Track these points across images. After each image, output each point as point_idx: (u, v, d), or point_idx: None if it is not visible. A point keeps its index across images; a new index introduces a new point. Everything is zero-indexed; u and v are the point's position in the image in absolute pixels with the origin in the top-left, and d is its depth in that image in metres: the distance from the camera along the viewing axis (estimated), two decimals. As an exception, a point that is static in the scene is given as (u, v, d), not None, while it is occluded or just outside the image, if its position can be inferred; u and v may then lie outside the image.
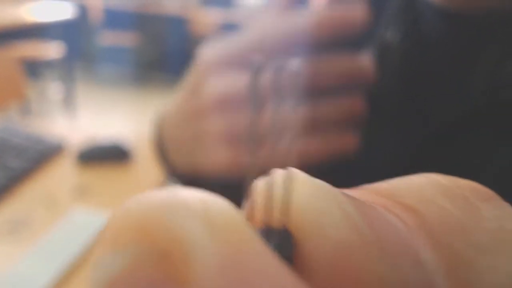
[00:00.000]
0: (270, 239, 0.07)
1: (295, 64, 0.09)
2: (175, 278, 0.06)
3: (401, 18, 0.32)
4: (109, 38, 3.74)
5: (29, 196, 0.85)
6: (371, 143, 0.27)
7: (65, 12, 3.04)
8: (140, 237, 0.06)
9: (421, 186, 0.09)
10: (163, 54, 3.83)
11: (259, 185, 0.08)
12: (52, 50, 2.75)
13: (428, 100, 0.31)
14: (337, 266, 0.07)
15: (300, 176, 0.08)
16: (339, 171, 0.23)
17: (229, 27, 3.31)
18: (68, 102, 2.92)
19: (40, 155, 0.95)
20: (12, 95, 1.81)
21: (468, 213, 0.08)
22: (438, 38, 0.30)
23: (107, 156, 0.99)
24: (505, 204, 0.09)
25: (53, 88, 2.96)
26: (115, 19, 3.72)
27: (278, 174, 0.08)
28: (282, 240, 0.07)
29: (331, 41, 0.26)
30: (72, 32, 3.37)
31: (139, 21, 3.77)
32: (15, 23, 2.66)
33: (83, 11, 3.64)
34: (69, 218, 0.79)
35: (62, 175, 0.94)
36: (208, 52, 0.27)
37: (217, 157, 0.25)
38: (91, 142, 1.01)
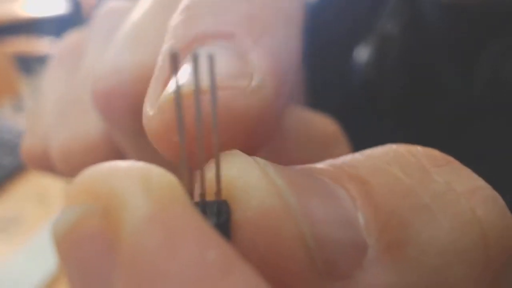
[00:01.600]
0: (208, 210, 0.08)
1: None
2: (112, 228, 0.07)
3: (401, 9, 0.32)
4: (103, 34, 3.71)
5: (21, 193, 0.85)
6: (371, 136, 0.27)
7: (58, 7, 3.02)
8: (87, 196, 0.08)
9: (378, 156, 0.10)
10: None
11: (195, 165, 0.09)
12: (46, 45, 2.73)
13: (429, 93, 0.31)
14: (259, 229, 0.08)
15: (232, 153, 0.09)
16: None
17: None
18: (62, 98, 2.90)
19: (33, 152, 0.95)
20: (4, 91, 1.79)
21: (417, 179, 0.09)
22: (439, 30, 0.30)
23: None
24: (462, 168, 0.09)
25: (47, 84, 2.94)
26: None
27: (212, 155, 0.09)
28: (218, 210, 0.08)
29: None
30: (65, 28, 3.33)
31: (134, 17, 3.74)
32: (8, 18, 2.63)
33: (77, 7, 3.61)
34: (61, 216, 0.78)
35: (54, 172, 0.94)
36: None
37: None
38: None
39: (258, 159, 0.09)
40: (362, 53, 0.34)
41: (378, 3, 0.34)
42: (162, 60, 0.11)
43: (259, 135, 0.10)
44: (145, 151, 0.15)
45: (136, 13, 0.16)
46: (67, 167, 0.18)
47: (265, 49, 0.10)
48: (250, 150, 0.10)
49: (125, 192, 0.07)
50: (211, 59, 0.08)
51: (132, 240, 0.07)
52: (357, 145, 0.18)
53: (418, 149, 0.10)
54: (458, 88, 0.29)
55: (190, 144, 0.09)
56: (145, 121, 0.10)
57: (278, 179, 0.08)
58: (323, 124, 0.18)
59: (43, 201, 0.83)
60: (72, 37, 0.23)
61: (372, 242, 0.08)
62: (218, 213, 0.08)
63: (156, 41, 0.14)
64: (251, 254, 0.08)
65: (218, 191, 0.08)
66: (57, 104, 0.20)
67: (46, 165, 0.20)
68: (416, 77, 0.32)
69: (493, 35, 0.28)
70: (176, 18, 0.12)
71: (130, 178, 0.07)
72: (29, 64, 2.95)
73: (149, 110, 0.10)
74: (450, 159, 0.09)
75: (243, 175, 0.08)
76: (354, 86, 0.34)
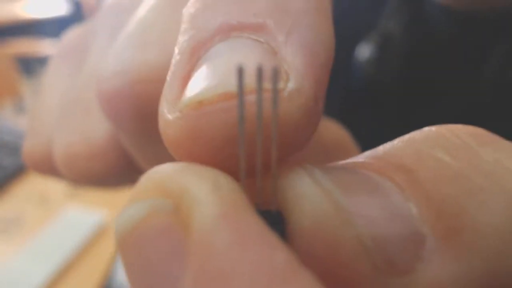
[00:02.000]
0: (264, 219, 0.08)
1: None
2: (182, 226, 0.07)
3: (403, 8, 0.32)
4: (104, 35, 3.71)
5: (22, 194, 0.85)
6: (371, 133, 0.27)
7: (59, 8, 3.02)
8: (157, 192, 0.08)
9: (419, 141, 0.09)
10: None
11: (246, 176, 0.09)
12: (47, 47, 2.74)
13: (430, 91, 0.31)
14: (316, 237, 0.07)
15: (281, 165, 0.09)
16: None
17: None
18: (63, 99, 2.90)
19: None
20: (5, 92, 1.80)
21: (465, 161, 0.08)
22: (440, 29, 0.30)
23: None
24: (509, 145, 0.09)
25: (48, 85, 2.95)
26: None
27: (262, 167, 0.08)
28: (273, 220, 0.08)
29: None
30: (66, 29, 3.34)
31: (134, 18, 3.74)
32: (9, 19, 2.64)
33: (77, 8, 3.62)
34: (62, 217, 0.79)
35: (55, 173, 0.94)
36: None
37: None
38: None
39: (305, 165, 0.09)
40: (364, 51, 0.34)
41: (380, 2, 0.34)
42: (180, 53, 0.10)
43: (294, 145, 0.09)
44: (153, 154, 0.15)
45: (142, 9, 0.15)
46: (71, 171, 0.17)
47: (300, 44, 0.09)
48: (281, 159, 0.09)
49: (197, 190, 0.07)
50: (275, 73, 0.07)
51: (203, 238, 0.07)
52: (358, 142, 0.18)
53: (460, 127, 0.09)
54: (463, 89, 0.29)
55: (217, 156, 0.08)
56: (162, 124, 0.09)
57: (327, 183, 0.08)
58: (332, 130, 0.17)
59: (44, 202, 0.83)
60: (74, 33, 0.21)
61: (428, 232, 0.08)
62: (274, 223, 0.08)
63: (164, 38, 0.13)
64: (309, 260, 0.08)
65: (275, 202, 0.08)
66: (60, 104, 0.19)
67: (49, 167, 0.19)
68: (418, 75, 0.32)
69: (495, 34, 0.28)
70: (192, 5, 0.10)
71: (202, 178, 0.07)
72: (30, 65, 2.95)
73: (167, 113, 0.09)
74: (493, 136, 0.09)
75: (293, 185, 0.08)
76: (355, 84, 0.34)
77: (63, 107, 0.18)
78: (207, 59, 0.09)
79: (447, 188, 0.08)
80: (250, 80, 0.08)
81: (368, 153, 0.09)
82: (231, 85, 0.08)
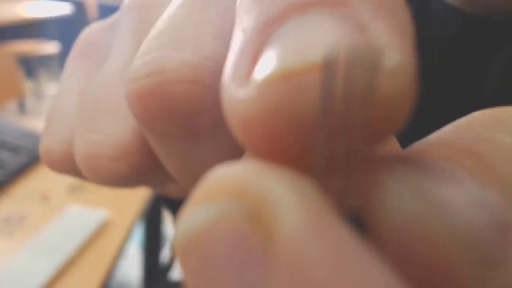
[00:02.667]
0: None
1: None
2: (262, 234, 0.06)
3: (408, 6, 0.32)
4: (105, 36, 3.71)
5: (25, 193, 0.85)
6: None
7: (61, 9, 3.03)
8: (232, 194, 0.07)
9: (473, 125, 0.09)
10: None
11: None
12: (49, 47, 2.74)
13: (435, 94, 0.31)
14: (407, 235, 0.07)
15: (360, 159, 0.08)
16: None
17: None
18: (65, 99, 2.91)
19: (36, 152, 0.96)
20: (8, 93, 1.80)
21: None
22: (446, 29, 0.30)
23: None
24: None
25: (49, 86, 2.96)
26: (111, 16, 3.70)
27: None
28: (353, 223, 0.08)
29: None
30: (68, 30, 3.35)
31: (136, 19, 3.74)
32: (12, 20, 2.65)
33: (79, 8, 3.63)
34: (64, 215, 0.79)
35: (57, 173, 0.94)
36: None
37: None
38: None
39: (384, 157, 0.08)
40: None
41: None
42: (248, 31, 0.09)
43: (388, 131, 0.08)
44: (183, 155, 0.14)
45: (172, 6, 0.14)
46: (93, 172, 0.16)
47: (390, 22, 0.08)
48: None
49: (280, 194, 0.06)
50: (370, 50, 0.07)
51: (292, 248, 0.06)
52: None
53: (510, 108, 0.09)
54: (469, 94, 0.29)
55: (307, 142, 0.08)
56: (231, 104, 0.08)
57: (413, 175, 0.08)
58: None
59: (46, 201, 0.84)
60: (91, 31, 0.21)
61: (509, 216, 0.07)
62: (355, 225, 0.07)
63: (198, 37, 0.13)
64: (398, 262, 0.07)
65: (356, 201, 0.08)
66: (79, 104, 0.18)
67: (67, 166, 0.19)
68: (422, 77, 0.32)
69: (501, 36, 0.27)
70: None
71: (285, 181, 0.07)
72: (32, 66, 2.95)
73: (236, 91, 0.08)
74: None
75: (379, 181, 0.08)
76: None
77: (84, 107, 0.17)
78: (283, 35, 0.08)
79: None
80: (340, 56, 0.07)
81: (425, 140, 0.09)
82: (319, 59, 0.07)
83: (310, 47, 0.07)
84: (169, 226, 1.43)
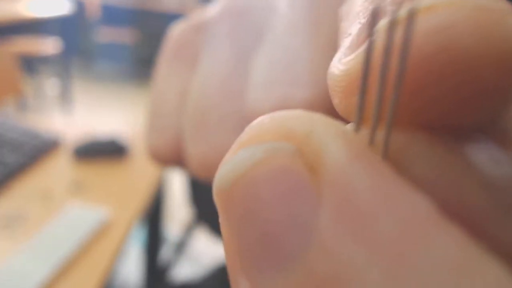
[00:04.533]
0: None
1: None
2: (309, 168, 0.07)
3: None
4: (106, 34, 3.73)
5: (25, 191, 0.85)
6: None
7: (62, 7, 3.03)
8: (278, 135, 0.07)
9: None
10: (160, 51, 3.81)
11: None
12: (49, 46, 2.74)
13: None
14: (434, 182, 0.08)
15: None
16: None
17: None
18: (65, 98, 2.91)
19: (36, 150, 0.95)
20: (8, 91, 1.80)
21: None
22: None
23: (104, 151, 0.98)
24: None
25: (50, 84, 2.95)
26: (112, 15, 3.71)
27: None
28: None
29: None
30: (69, 28, 3.36)
31: (137, 18, 3.75)
32: (12, 18, 2.64)
33: (80, 7, 3.63)
34: (65, 214, 0.79)
35: (58, 170, 0.94)
36: None
37: None
38: (87, 137, 1.00)
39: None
40: None
41: None
42: (364, 17, 0.09)
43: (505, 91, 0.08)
44: None
45: (282, 30, 0.16)
46: (208, 177, 0.18)
47: None
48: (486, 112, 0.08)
49: (325, 132, 0.07)
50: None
51: (338, 179, 0.06)
52: None
53: None
54: None
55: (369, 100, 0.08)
56: (331, 79, 0.09)
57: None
58: None
59: (46, 199, 0.83)
60: (181, 29, 0.22)
61: None
62: None
63: (315, 72, 0.14)
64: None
65: (385, 154, 0.08)
66: (185, 108, 0.20)
67: (174, 162, 0.21)
68: None
69: None
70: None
71: (328, 121, 0.07)
72: (33, 64, 2.95)
73: (339, 66, 0.09)
74: None
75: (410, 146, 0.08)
76: None
77: (192, 114, 0.19)
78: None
79: None
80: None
81: None
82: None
83: None
84: (169, 228, 1.43)
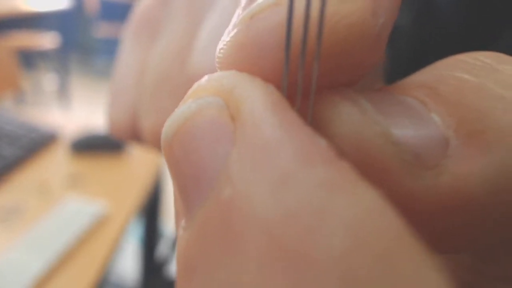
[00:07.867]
0: None
1: None
2: (231, 115, 0.08)
3: (412, 0, 0.32)
4: (105, 30, 3.71)
5: (22, 184, 0.85)
6: None
7: (61, 2, 3.02)
8: (211, 91, 0.09)
9: (440, 67, 0.10)
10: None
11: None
12: (48, 40, 2.73)
13: None
14: (349, 142, 0.09)
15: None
16: None
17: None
18: (63, 93, 2.91)
19: (34, 144, 0.95)
20: (7, 85, 1.80)
21: (485, 76, 0.09)
22: (452, 20, 0.30)
23: (101, 146, 0.99)
24: None
25: (48, 79, 2.95)
26: (111, 11, 3.70)
27: None
28: None
29: None
30: (68, 23, 3.35)
31: (136, 13, 3.73)
32: (11, 12, 2.63)
33: (79, 2, 3.61)
34: (62, 207, 0.79)
35: (55, 164, 0.94)
36: None
37: None
38: (85, 131, 1.01)
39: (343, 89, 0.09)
40: None
41: None
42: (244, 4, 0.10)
43: (343, 64, 0.09)
44: None
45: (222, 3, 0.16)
46: (159, 146, 0.19)
47: None
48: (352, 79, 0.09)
49: (246, 86, 0.08)
50: None
51: (251, 122, 0.08)
52: None
53: (479, 53, 0.10)
54: None
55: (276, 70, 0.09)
56: (218, 52, 0.10)
57: (361, 101, 0.09)
58: None
59: (43, 192, 0.84)
60: (146, 5, 0.22)
61: (451, 134, 0.08)
62: None
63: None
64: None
65: (311, 120, 0.09)
66: (142, 79, 0.20)
67: (131, 135, 0.21)
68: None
69: (509, 23, 0.27)
70: None
71: (250, 78, 0.09)
72: (31, 58, 2.94)
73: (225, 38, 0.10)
74: None
75: (332, 106, 0.09)
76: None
77: (148, 85, 0.19)
78: None
79: (468, 98, 0.09)
80: None
81: (398, 82, 0.10)
82: None
83: None
84: (166, 222, 1.43)
